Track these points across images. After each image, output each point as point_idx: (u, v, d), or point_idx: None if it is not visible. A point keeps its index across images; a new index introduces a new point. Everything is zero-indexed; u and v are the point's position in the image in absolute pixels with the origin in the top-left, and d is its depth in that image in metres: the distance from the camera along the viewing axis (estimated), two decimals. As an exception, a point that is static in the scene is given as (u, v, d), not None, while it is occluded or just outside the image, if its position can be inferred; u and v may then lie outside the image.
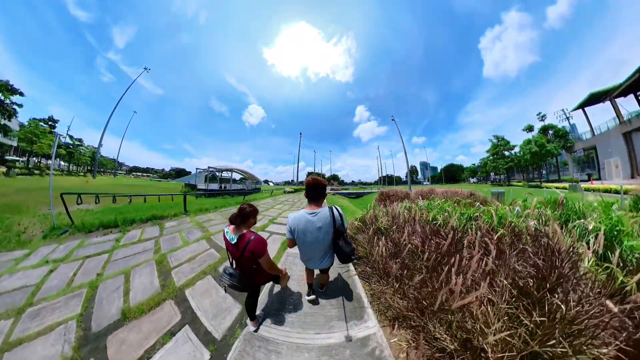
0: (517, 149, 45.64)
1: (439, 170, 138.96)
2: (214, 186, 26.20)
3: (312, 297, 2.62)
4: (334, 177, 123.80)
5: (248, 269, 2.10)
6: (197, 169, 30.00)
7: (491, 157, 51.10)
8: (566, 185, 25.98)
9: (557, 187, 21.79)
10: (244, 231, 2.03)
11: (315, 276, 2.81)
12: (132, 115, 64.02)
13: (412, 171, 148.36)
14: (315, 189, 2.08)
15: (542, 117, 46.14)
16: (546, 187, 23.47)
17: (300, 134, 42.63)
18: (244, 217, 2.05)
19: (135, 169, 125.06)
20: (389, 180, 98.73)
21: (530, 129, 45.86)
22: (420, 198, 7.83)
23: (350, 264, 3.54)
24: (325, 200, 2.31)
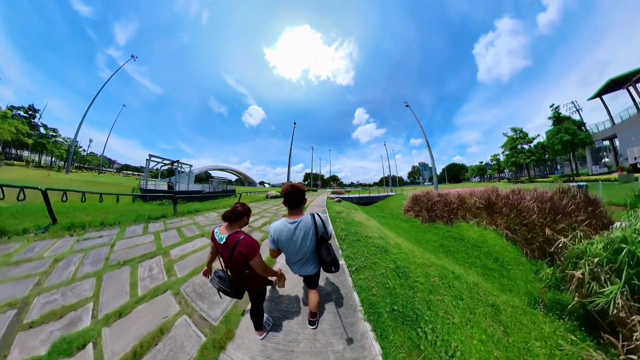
0: (536, 141, 42.00)
1: (438, 171, 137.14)
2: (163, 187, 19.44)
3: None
4: (334, 178, 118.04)
5: (240, 273, 1.92)
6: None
7: (508, 152, 46.35)
8: (610, 177, 23.51)
9: (599, 180, 18.57)
10: (236, 229, 1.93)
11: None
12: (120, 109, 58.74)
13: (415, 172, 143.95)
14: (294, 196, 1.96)
15: (556, 109, 41.72)
16: (581, 181, 20.09)
17: (295, 124, 37.79)
18: (238, 215, 1.94)
19: (126, 167, 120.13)
20: (392, 181, 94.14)
21: (557, 117, 39.42)
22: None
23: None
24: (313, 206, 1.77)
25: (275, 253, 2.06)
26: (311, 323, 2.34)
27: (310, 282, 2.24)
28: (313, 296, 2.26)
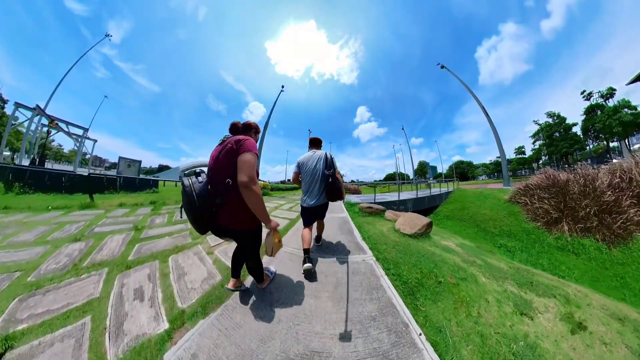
0: (575, 129, 37.19)
1: (438, 170, 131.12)
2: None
3: (309, 265, 2.22)
4: None
5: (220, 181, 1.37)
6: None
7: (544, 141, 41.21)
8: None
9: None
10: None
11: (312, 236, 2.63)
12: (102, 100, 51.69)
13: (421, 169, 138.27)
14: (313, 142, 2.77)
15: (588, 96, 37.23)
16: None
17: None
18: (246, 127, 1.69)
19: (115, 165, 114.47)
20: (400, 178, 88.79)
21: (609, 93, 34.03)
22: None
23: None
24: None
25: (296, 176, 2.67)
26: (318, 240, 3.12)
27: (320, 214, 2.70)
28: (321, 224, 2.97)
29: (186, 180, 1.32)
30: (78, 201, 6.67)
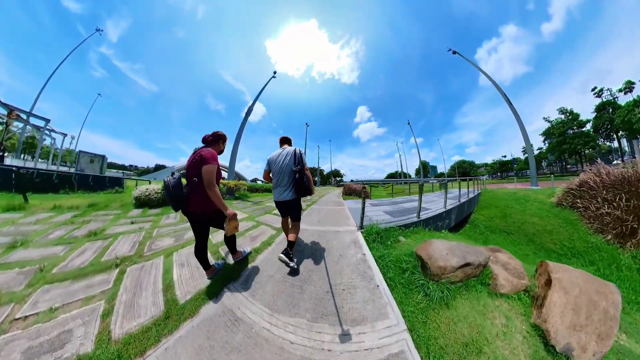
0: (588, 125, 35.14)
1: (438, 170, 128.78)
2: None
3: (281, 255, 2.40)
4: (336, 174, 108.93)
5: (189, 180, 1.98)
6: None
7: (556, 139, 38.62)
8: None
9: None
10: None
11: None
12: (95, 98, 50.07)
13: (424, 168, 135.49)
14: (284, 140, 2.85)
15: (599, 93, 35.48)
16: None
17: (275, 72, 29.33)
18: (215, 137, 2.21)
19: (111, 165, 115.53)
20: (403, 177, 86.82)
21: (628, 87, 32.18)
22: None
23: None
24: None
25: (266, 174, 2.77)
26: (290, 247, 2.49)
27: (290, 211, 2.71)
28: (295, 224, 2.71)
29: (166, 179, 1.96)
30: (5, 202, 5.71)
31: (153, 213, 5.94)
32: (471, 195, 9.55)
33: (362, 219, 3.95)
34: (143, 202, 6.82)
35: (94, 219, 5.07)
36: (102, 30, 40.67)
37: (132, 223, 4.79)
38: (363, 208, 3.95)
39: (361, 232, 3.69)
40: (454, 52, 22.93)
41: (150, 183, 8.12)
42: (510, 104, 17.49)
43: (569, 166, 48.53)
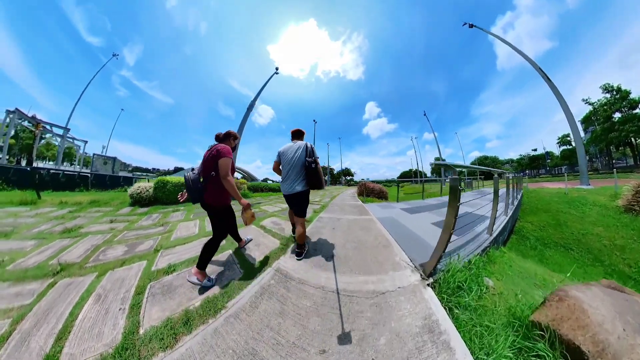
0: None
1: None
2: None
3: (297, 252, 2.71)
4: (347, 172, 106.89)
5: (207, 175, 2.19)
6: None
7: (601, 127, 30.46)
8: None
9: None
10: None
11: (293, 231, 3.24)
12: (119, 113, 56.96)
13: (438, 168, 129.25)
14: (295, 134, 2.91)
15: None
16: None
17: (277, 68, 29.27)
18: (226, 135, 2.43)
19: (137, 169, 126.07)
20: (419, 175, 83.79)
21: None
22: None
23: None
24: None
25: (276, 165, 2.87)
26: (298, 254, 2.69)
27: (297, 205, 2.70)
28: (299, 227, 2.67)
29: (186, 174, 2.20)
30: (19, 197, 6.38)
31: (139, 212, 5.91)
32: (518, 197, 7.82)
33: (439, 258, 2.06)
34: (136, 200, 6.99)
35: (84, 215, 5.12)
36: (117, 55, 43.67)
37: (111, 222, 4.72)
38: (443, 239, 2.09)
39: (432, 288, 1.91)
40: (471, 26, 21.41)
41: (148, 181, 8.29)
42: (548, 80, 15.12)
43: (613, 161, 38.64)
